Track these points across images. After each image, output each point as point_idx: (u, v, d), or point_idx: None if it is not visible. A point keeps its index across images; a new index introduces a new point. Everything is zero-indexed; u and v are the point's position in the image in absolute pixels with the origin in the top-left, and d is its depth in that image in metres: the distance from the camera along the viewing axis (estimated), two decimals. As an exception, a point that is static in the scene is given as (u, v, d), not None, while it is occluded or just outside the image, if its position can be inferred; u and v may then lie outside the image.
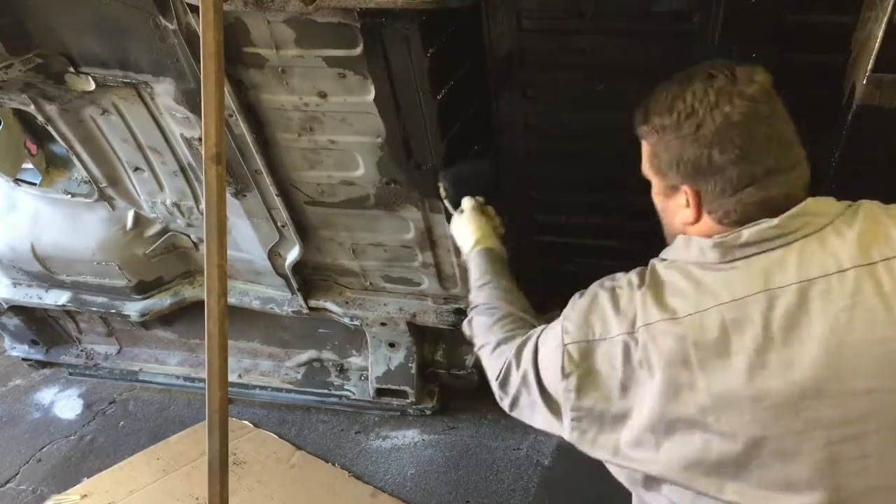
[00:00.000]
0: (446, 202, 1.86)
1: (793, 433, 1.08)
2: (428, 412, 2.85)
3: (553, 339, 1.27)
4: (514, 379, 1.39)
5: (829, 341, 1.07)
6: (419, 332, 2.62)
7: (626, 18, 1.63)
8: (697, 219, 1.21)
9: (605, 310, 1.22)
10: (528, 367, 1.33)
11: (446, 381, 2.80)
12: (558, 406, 1.29)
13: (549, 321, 1.35)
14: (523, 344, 1.37)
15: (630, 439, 1.19)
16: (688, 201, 1.21)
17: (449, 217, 1.86)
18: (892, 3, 1.35)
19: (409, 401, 2.79)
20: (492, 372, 1.46)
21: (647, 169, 1.28)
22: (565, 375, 1.23)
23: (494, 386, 1.45)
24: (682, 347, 1.13)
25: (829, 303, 1.08)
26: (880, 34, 1.39)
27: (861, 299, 1.07)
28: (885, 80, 1.44)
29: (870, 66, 1.44)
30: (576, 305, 1.27)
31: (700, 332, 1.12)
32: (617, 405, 1.20)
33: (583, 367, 1.22)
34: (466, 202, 1.78)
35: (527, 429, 1.47)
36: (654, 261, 1.25)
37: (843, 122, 1.58)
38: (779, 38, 1.54)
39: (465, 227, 1.75)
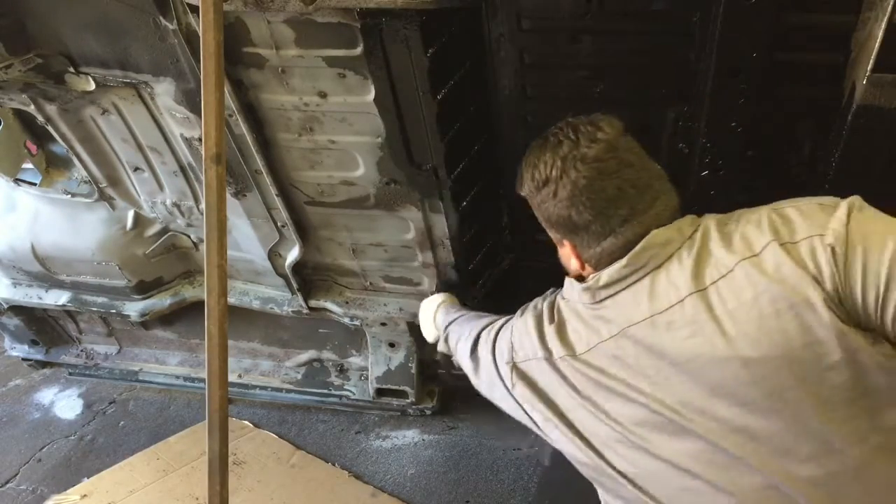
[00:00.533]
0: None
1: (689, 450, 1.18)
2: (428, 412, 2.85)
3: (501, 352, 1.49)
4: (481, 365, 1.60)
5: (684, 367, 1.16)
6: (419, 333, 2.61)
7: (626, 18, 1.63)
8: (582, 267, 1.35)
9: (532, 335, 1.40)
10: (493, 348, 1.54)
11: (446, 381, 2.80)
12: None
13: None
14: (493, 333, 1.57)
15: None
16: (570, 252, 1.35)
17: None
18: (892, 3, 1.35)
19: (409, 401, 2.79)
20: (466, 370, 1.70)
21: (540, 221, 1.43)
22: (510, 379, 1.45)
23: (470, 376, 1.68)
24: (586, 380, 1.28)
25: (674, 332, 1.18)
26: (880, 34, 1.39)
27: (699, 326, 1.15)
28: (885, 80, 1.44)
29: (870, 66, 1.44)
30: (516, 327, 1.47)
31: (595, 365, 1.27)
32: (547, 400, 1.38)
33: (521, 376, 1.42)
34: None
35: (527, 429, 1.52)
36: (558, 298, 1.42)
37: (843, 122, 1.58)
38: (779, 38, 1.54)
39: (429, 306, 2.10)
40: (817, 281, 1.08)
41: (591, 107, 1.79)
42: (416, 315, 2.48)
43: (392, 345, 2.66)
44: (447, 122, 1.84)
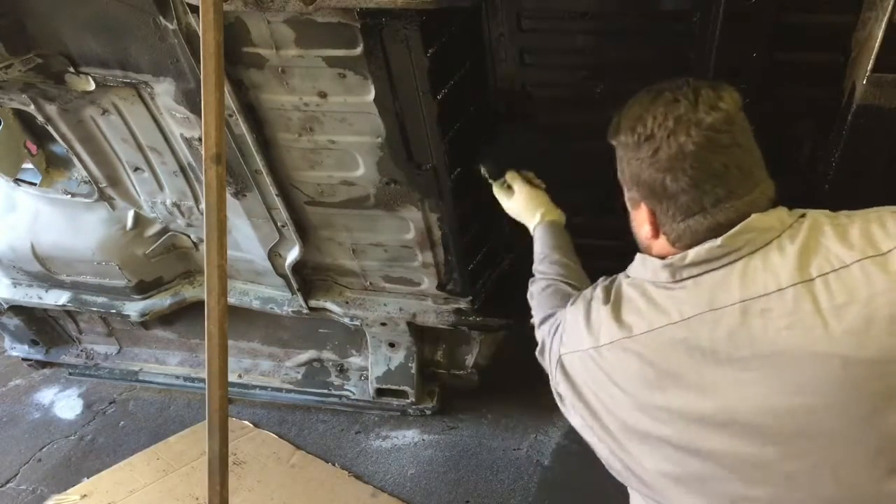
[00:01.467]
0: (490, 181, 1.87)
1: (743, 451, 1.10)
2: (428, 412, 2.85)
3: (555, 338, 1.37)
4: (545, 355, 1.44)
5: (771, 360, 1.08)
6: (419, 332, 2.62)
7: (626, 18, 1.63)
8: (656, 236, 1.24)
9: (580, 323, 1.29)
10: (550, 344, 1.41)
11: (446, 381, 2.80)
12: None
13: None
14: (553, 325, 1.43)
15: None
16: (646, 218, 1.24)
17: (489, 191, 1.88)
18: (892, 4, 1.35)
19: (409, 401, 2.79)
20: (538, 344, 1.53)
21: (619, 176, 1.31)
22: (554, 375, 1.35)
23: (539, 356, 1.51)
24: (640, 366, 1.18)
25: (769, 321, 1.09)
26: (880, 34, 1.39)
27: (799, 318, 1.07)
28: (885, 80, 1.44)
29: (870, 66, 1.44)
30: (567, 316, 1.36)
31: (653, 350, 1.17)
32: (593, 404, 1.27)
33: (564, 372, 1.33)
34: (514, 179, 1.83)
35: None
36: (620, 276, 1.31)
37: (843, 122, 1.58)
38: (779, 38, 1.54)
39: (525, 204, 1.80)
40: None
41: (591, 107, 1.80)
42: (415, 315, 2.48)
43: (392, 345, 2.66)
44: (447, 122, 1.84)
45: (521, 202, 1.82)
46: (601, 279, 1.36)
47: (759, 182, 1.19)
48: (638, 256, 1.28)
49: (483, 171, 1.88)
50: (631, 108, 1.24)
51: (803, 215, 1.17)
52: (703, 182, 1.15)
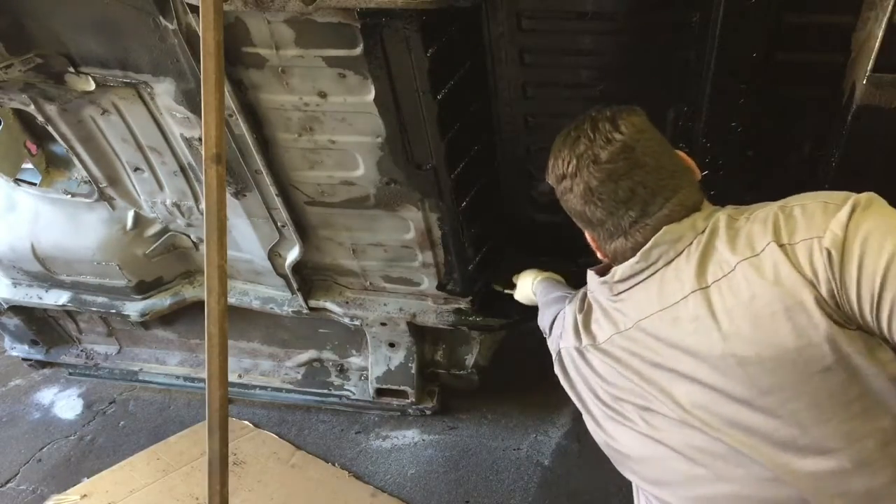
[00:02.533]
0: (507, 291, 2.24)
1: (702, 441, 1.20)
2: (428, 412, 2.85)
3: (556, 334, 1.53)
4: (551, 344, 1.59)
5: (686, 363, 1.19)
6: (419, 332, 2.62)
7: (626, 19, 1.63)
8: (605, 257, 1.39)
9: (570, 323, 1.44)
10: (557, 336, 1.55)
11: (446, 381, 2.80)
12: None
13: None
14: (559, 321, 1.57)
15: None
16: (592, 241, 1.40)
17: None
18: (892, 3, 1.35)
19: (409, 401, 2.79)
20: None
21: None
22: (556, 366, 1.49)
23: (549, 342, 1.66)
24: (610, 366, 1.31)
25: (679, 327, 1.21)
26: (880, 34, 1.39)
27: (700, 322, 1.18)
28: (885, 80, 1.45)
29: (870, 66, 1.44)
30: (566, 313, 1.50)
31: (612, 355, 1.31)
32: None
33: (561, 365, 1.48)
34: (515, 278, 2.16)
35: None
36: (585, 289, 1.46)
37: (843, 122, 1.58)
38: (779, 38, 1.54)
39: (522, 284, 2.10)
40: (813, 284, 1.08)
41: (591, 107, 1.80)
42: (415, 315, 2.49)
43: (392, 345, 2.66)
44: (447, 122, 1.84)
45: (521, 286, 2.11)
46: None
47: (675, 193, 1.28)
48: (588, 273, 1.43)
49: (499, 287, 2.29)
50: (552, 149, 1.38)
51: (713, 217, 1.26)
52: (615, 209, 1.28)
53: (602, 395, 1.34)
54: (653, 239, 1.25)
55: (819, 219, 1.12)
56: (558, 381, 1.46)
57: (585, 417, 1.41)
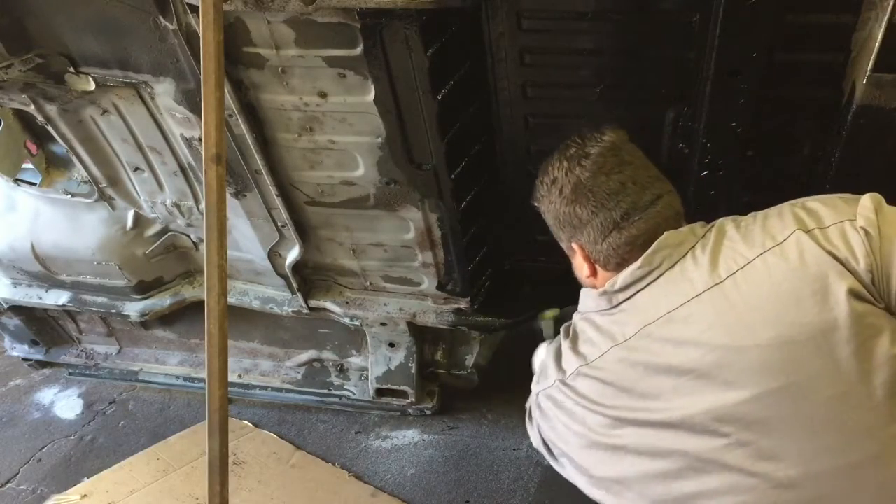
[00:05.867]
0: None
1: (707, 447, 1.17)
2: (428, 412, 2.85)
3: (533, 386, 1.50)
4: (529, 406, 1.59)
5: (700, 362, 1.17)
6: (419, 332, 2.62)
7: (626, 19, 1.63)
8: (593, 271, 1.39)
9: (552, 362, 1.42)
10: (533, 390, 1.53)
11: (446, 381, 2.80)
12: None
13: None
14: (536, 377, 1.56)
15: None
16: (581, 257, 1.39)
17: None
18: (892, 4, 1.35)
19: (409, 401, 2.79)
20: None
21: (553, 234, 1.48)
22: (534, 407, 1.48)
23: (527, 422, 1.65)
24: (601, 387, 1.28)
25: (691, 326, 1.19)
26: (880, 34, 1.39)
27: (717, 318, 1.17)
28: (885, 80, 1.45)
29: (870, 66, 1.44)
30: (545, 360, 1.48)
31: (607, 371, 1.28)
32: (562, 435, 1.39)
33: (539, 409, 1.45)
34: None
35: (527, 428, 1.53)
36: (574, 315, 1.45)
37: (843, 122, 1.58)
38: (779, 38, 1.54)
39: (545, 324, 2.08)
40: (845, 265, 1.09)
41: (591, 107, 1.80)
42: (415, 315, 2.49)
43: (392, 345, 2.66)
44: (447, 122, 1.84)
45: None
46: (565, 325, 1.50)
47: (662, 194, 1.33)
48: (582, 291, 1.43)
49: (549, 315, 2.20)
50: (541, 169, 1.44)
51: (713, 225, 1.29)
52: (606, 201, 1.31)
53: (594, 423, 1.29)
54: (655, 243, 1.26)
55: (843, 207, 1.16)
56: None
57: (566, 465, 1.39)
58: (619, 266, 1.32)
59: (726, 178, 1.78)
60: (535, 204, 1.48)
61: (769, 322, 1.12)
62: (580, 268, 1.43)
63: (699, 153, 1.76)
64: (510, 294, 2.45)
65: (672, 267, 1.25)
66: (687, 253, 1.25)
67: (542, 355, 1.92)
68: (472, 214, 2.14)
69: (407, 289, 2.45)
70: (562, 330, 1.45)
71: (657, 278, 1.26)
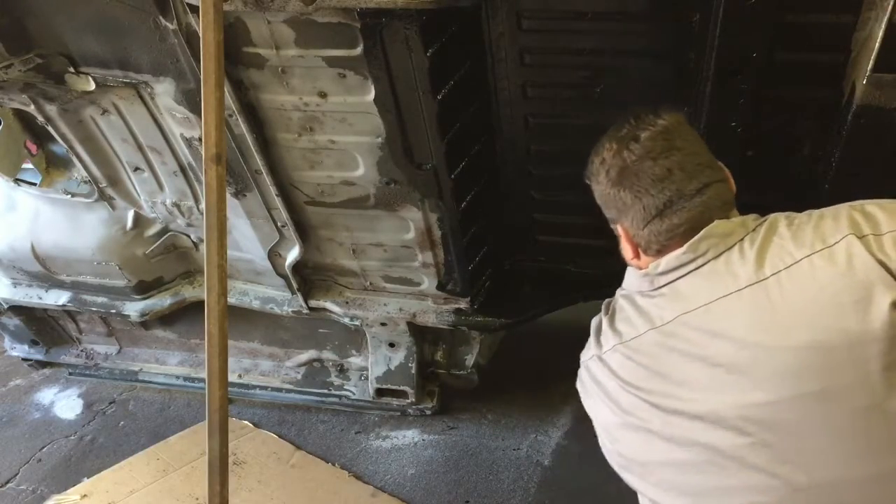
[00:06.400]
0: None
1: (731, 444, 1.15)
2: (428, 412, 2.85)
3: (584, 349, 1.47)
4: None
5: (737, 356, 1.15)
6: (419, 332, 2.62)
7: (626, 19, 1.63)
8: (636, 253, 1.36)
9: (593, 334, 1.41)
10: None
11: (446, 381, 2.80)
12: None
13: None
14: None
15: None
16: (625, 238, 1.37)
17: None
18: (892, 4, 1.35)
19: (409, 401, 2.79)
20: None
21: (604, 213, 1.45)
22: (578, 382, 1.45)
23: None
24: (634, 367, 1.27)
25: (730, 320, 1.17)
26: (880, 34, 1.39)
27: (757, 315, 1.15)
28: (885, 80, 1.45)
29: (870, 66, 1.44)
30: (591, 329, 1.45)
31: (642, 353, 1.26)
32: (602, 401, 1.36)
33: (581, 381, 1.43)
34: None
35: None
36: (617, 292, 1.42)
37: (843, 122, 1.58)
38: (779, 38, 1.54)
39: None
40: (894, 276, 1.06)
41: (591, 107, 1.80)
42: (415, 315, 2.49)
43: (392, 345, 2.66)
44: (447, 122, 1.84)
45: None
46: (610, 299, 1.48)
47: (711, 183, 1.28)
48: (627, 270, 1.40)
49: None
50: (595, 148, 1.39)
51: (761, 221, 1.25)
52: (651, 187, 1.27)
53: (626, 401, 1.28)
54: (703, 231, 1.23)
55: None
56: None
57: (602, 438, 1.36)
58: (660, 253, 1.29)
59: (726, 178, 1.78)
60: (587, 181, 1.43)
61: (807, 325, 1.10)
62: (625, 248, 1.39)
63: (699, 153, 1.76)
64: (510, 294, 2.45)
65: (717, 257, 1.22)
66: (734, 245, 1.21)
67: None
68: (472, 214, 2.14)
69: (407, 289, 2.45)
70: (603, 305, 1.44)
71: (701, 266, 1.23)
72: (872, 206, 1.17)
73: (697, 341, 1.20)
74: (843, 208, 1.19)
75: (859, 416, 1.07)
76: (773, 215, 1.25)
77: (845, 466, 1.09)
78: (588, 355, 1.40)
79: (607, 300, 1.44)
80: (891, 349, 1.05)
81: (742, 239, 1.21)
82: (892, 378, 1.05)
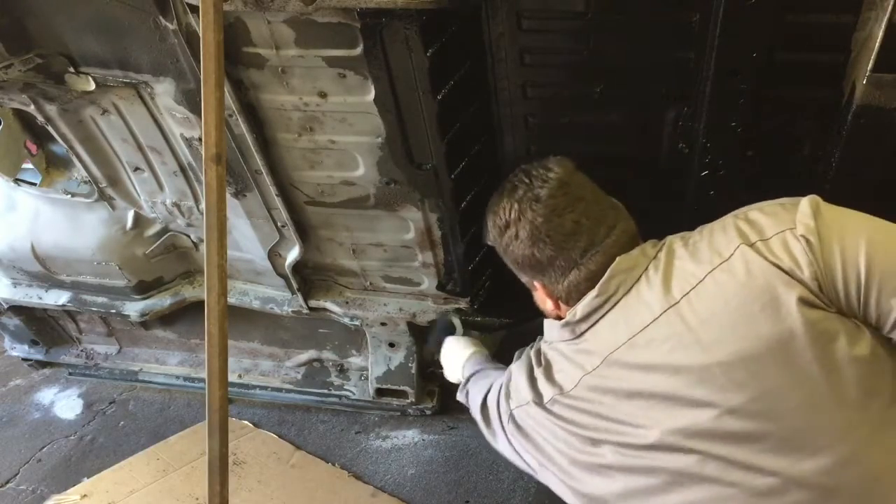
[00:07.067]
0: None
1: (685, 463, 1.18)
2: (428, 412, 2.85)
3: (502, 399, 1.49)
4: (492, 422, 1.57)
5: (664, 384, 1.18)
6: (419, 332, 2.62)
7: (626, 19, 1.63)
8: (556, 305, 1.39)
9: (524, 380, 1.41)
10: (498, 407, 1.53)
11: (446, 381, 2.79)
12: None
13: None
14: (497, 391, 1.55)
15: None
16: (543, 293, 1.40)
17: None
18: (892, 4, 1.35)
19: (409, 401, 2.79)
20: (479, 424, 1.65)
21: (511, 268, 1.47)
22: (508, 427, 1.46)
23: (483, 430, 1.63)
24: (577, 415, 1.29)
25: (654, 349, 1.20)
26: (880, 34, 1.39)
27: (677, 339, 1.17)
28: (885, 80, 1.45)
29: (870, 66, 1.44)
30: (512, 375, 1.48)
31: (581, 400, 1.28)
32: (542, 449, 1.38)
33: (516, 424, 1.44)
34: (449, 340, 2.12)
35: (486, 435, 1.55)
36: (541, 343, 1.45)
37: (843, 122, 1.58)
38: (779, 38, 1.54)
39: (457, 353, 2.03)
40: (791, 275, 1.09)
41: (591, 107, 1.80)
42: (415, 315, 2.49)
43: (392, 345, 2.66)
44: (447, 122, 1.84)
45: (452, 363, 2.06)
46: (536, 340, 1.50)
47: (616, 223, 1.33)
48: (545, 322, 1.43)
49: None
50: (488, 209, 1.44)
51: (663, 243, 1.29)
52: (563, 242, 1.31)
53: (577, 443, 1.30)
54: (608, 271, 1.27)
55: (783, 215, 1.16)
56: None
57: (547, 474, 1.37)
58: (578, 298, 1.33)
59: (726, 178, 1.78)
60: (488, 244, 1.48)
61: (727, 339, 1.13)
62: (543, 304, 1.44)
63: (699, 153, 1.76)
64: (510, 294, 2.44)
65: (628, 292, 1.26)
66: (640, 276, 1.25)
67: (452, 351, 2.03)
68: (472, 214, 2.14)
69: (407, 289, 2.45)
70: (532, 354, 1.45)
71: (615, 305, 1.27)
72: (754, 212, 1.21)
73: (629, 378, 1.22)
74: (728, 219, 1.23)
75: (802, 413, 1.10)
76: (668, 238, 1.30)
77: (799, 463, 1.11)
78: (518, 402, 1.41)
79: (535, 348, 1.45)
80: (811, 342, 1.08)
81: (646, 269, 1.25)
82: (822, 368, 1.08)
